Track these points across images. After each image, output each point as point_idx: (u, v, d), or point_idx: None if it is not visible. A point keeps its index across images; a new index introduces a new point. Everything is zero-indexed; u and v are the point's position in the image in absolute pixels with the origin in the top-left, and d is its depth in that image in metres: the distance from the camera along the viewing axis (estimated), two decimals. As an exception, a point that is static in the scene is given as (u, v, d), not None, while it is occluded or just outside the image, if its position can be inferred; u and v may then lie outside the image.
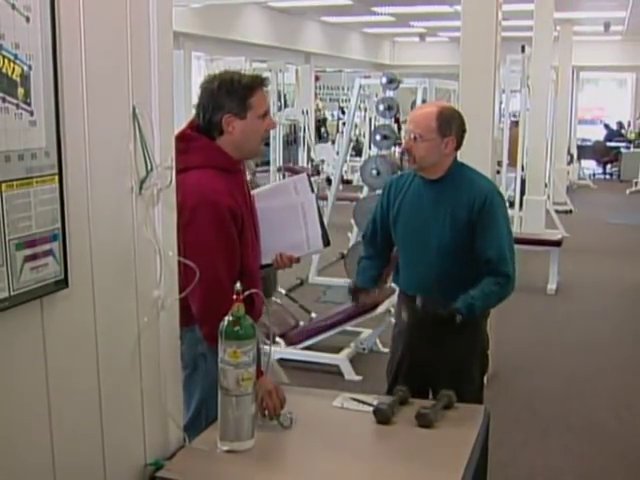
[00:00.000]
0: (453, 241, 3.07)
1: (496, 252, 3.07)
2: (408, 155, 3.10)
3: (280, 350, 5.67)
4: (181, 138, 2.74)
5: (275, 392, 2.54)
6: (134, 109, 2.02)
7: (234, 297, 2.21)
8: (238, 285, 2.22)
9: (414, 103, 8.03)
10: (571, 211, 13.48)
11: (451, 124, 3.10)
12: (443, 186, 3.13)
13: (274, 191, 3.32)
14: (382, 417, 2.52)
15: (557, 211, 11.95)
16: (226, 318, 2.22)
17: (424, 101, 8.09)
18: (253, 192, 3.04)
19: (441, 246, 3.08)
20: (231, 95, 2.71)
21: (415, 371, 3.26)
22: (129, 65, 2.00)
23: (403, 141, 3.21)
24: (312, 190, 3.12)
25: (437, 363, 3.20)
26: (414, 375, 3.26)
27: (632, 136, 21.07)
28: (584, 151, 19.42)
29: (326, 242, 3.11)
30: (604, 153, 19.99)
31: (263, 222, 2.98)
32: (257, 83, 2.76)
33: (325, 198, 8.93)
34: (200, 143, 2.76)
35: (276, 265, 3.05)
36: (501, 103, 11.04)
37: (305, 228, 3.08)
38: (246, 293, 2.24)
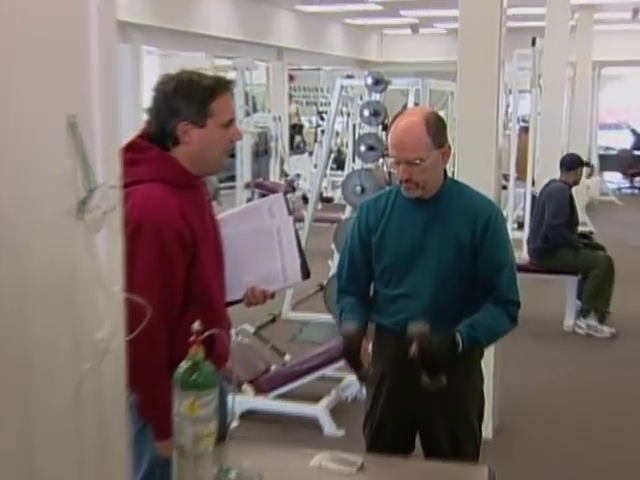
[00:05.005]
0: (456, 266, 3.10)
1: (504, 277, 3.11)
2: (408, 183, 3.10)
3: (248, 400, 5.66)
4: (130, 148, 2.74)
5: None
6: (69, 118, 2.02)
7: (192, 339, 2.21)
8: (197, 324, 2.21)
9: (405, 107, 8.06)
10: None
11: (441, 130, 3.13)
12: (436, 205, 3.15)
13: (244, 213, 3.31)
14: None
15: (575, 233, 11.99)
16: (182, 364, 2.22)
17: (416, 105, 8.14)
18: (219, 216, 3.04)
19: (441, 272, 3.09)
20: (189, 99, 2.72)
21: (402, 421, 3.26)
22: (62, 64, 1.99)
23: (394, 170, 3.15)
24: (290, 212, 3.13)
25: (429, 409, 3.20)
26: (401, 425, 3.26)
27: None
28: (607, 161, 19.53)
29: (305, 273, 3.11)
30: (631, 164, 20.07)
31: (231, 251, 2.96)
32: (221, 86, 2.78)
33: (301, 219, 8.92)
34: (151, 154, 2.76)
35: (247, 302, 3.05)
36: (507, 106, 11.16)
37: (281, 257, 3.08)
38: (206, 334, 2.23)
